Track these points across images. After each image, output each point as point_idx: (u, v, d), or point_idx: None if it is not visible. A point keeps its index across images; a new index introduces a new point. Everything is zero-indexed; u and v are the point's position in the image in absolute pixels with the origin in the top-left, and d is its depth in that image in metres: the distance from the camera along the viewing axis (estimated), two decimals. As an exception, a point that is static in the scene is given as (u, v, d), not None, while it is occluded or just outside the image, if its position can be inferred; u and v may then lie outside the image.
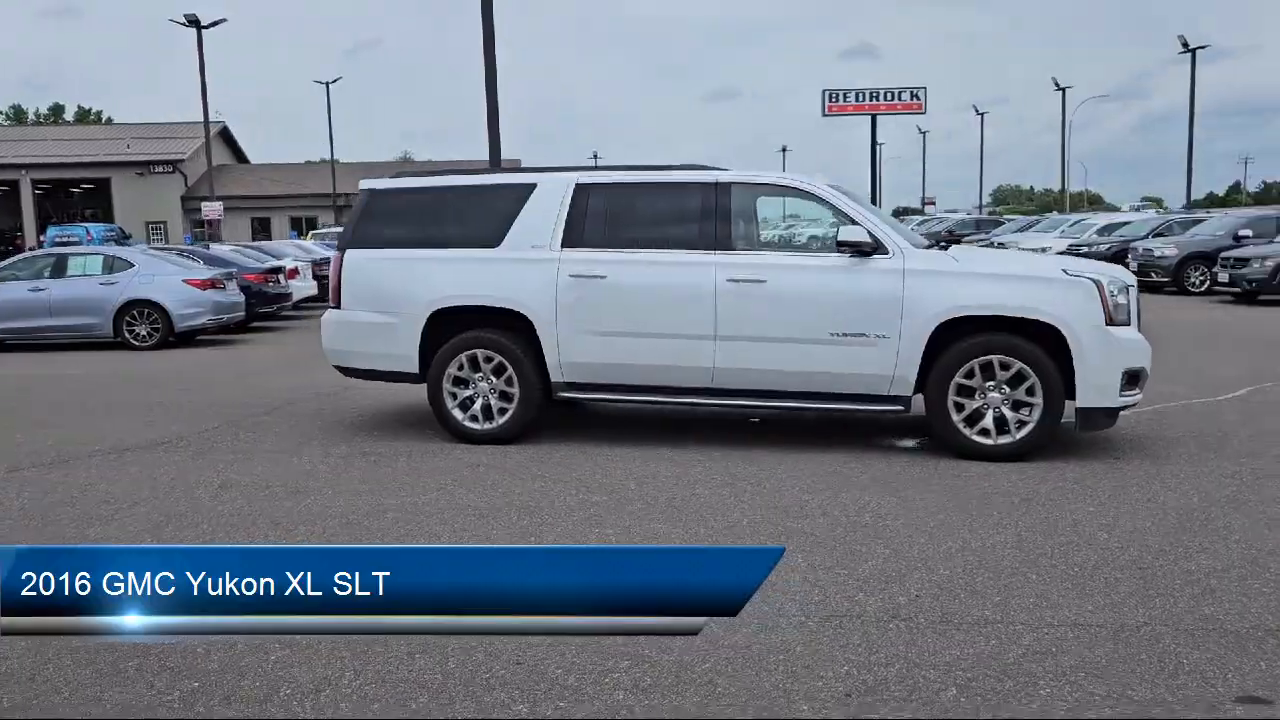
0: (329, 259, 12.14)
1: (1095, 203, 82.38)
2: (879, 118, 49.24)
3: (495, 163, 12.62)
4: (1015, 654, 3.82)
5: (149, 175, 54.75)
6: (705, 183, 7.46)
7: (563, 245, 7.51)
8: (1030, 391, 6.79)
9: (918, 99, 48.74)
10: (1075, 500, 5.91)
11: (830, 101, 47.90)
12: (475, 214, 7.90)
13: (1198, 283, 21.55)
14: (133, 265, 15.29)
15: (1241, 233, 21.72)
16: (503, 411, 7.64)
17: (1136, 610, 4.22)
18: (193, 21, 37.17)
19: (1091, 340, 6.71)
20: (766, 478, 6.51)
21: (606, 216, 7.53)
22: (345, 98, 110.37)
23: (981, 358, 6.84)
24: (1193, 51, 45.07)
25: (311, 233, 37.77)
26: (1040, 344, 6.79)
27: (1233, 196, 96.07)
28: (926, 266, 7.01)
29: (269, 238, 43.38)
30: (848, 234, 7.01)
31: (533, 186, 7.72)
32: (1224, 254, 20.38)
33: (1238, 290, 19.44)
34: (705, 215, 7.36)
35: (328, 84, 53.10)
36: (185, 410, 9.41)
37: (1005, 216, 52.37)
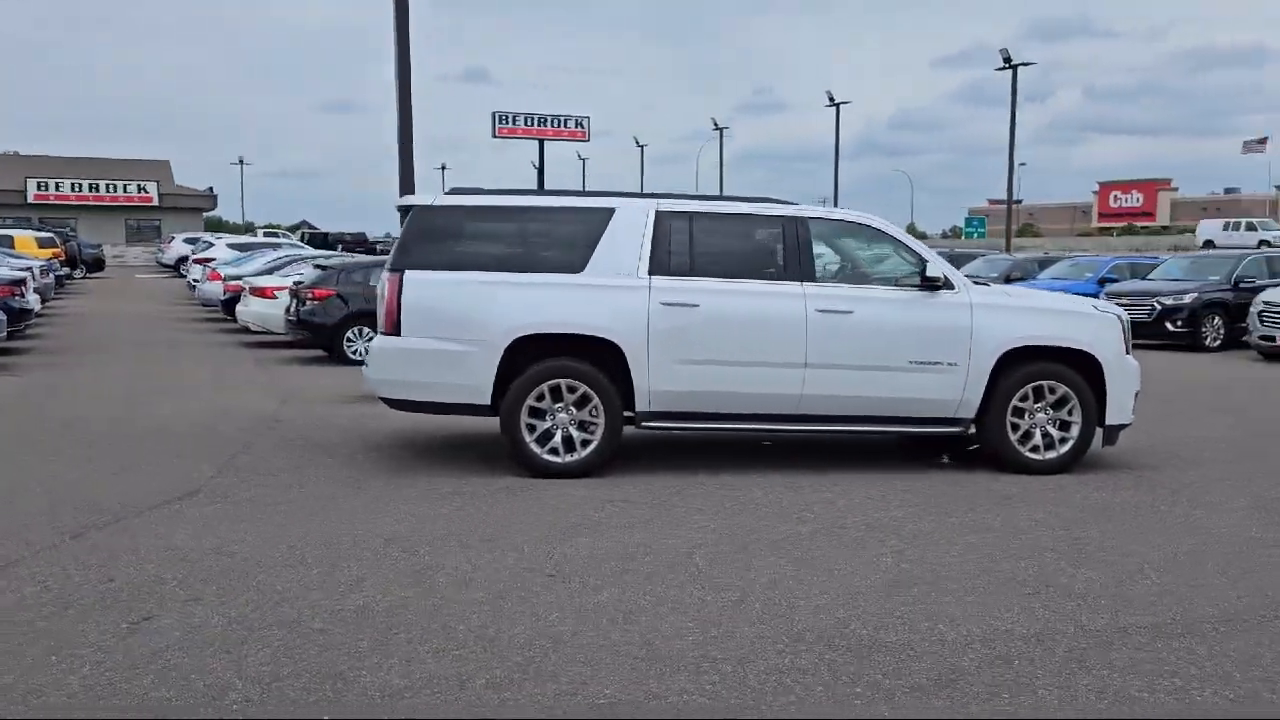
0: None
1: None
2: (546, 142, 50.55)
3: (407, 184, 11.76)
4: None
5: None
6: (786, 216, 7.73)
7: (650, 272, 7.42)
8: (1071, 412, 7.78)
9: (582, 127, 50.72)
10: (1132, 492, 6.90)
11: (500, 124, 48.48)
12: (550, 237, 7.57)
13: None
14: None
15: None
16: (585, 444, 7.36)
17: None
18: None
19: (1117, 366, 7.84)
20: (869, 496, 6.90)
21: (691, 245, 7.54)
22: None
23: (1034, 383, 7.73)
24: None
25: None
26: (1079, 371, 7.81)
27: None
28: (988, 301, 7.80)
29: None
30: (934, 270, 7.62)
31: (611, 211, 7.53)
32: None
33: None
34: (788, 247, 7.64)
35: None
36: (166, 451, 7.98)
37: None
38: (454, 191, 7.62)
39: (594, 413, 7.34)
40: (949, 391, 7.68)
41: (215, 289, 19.98)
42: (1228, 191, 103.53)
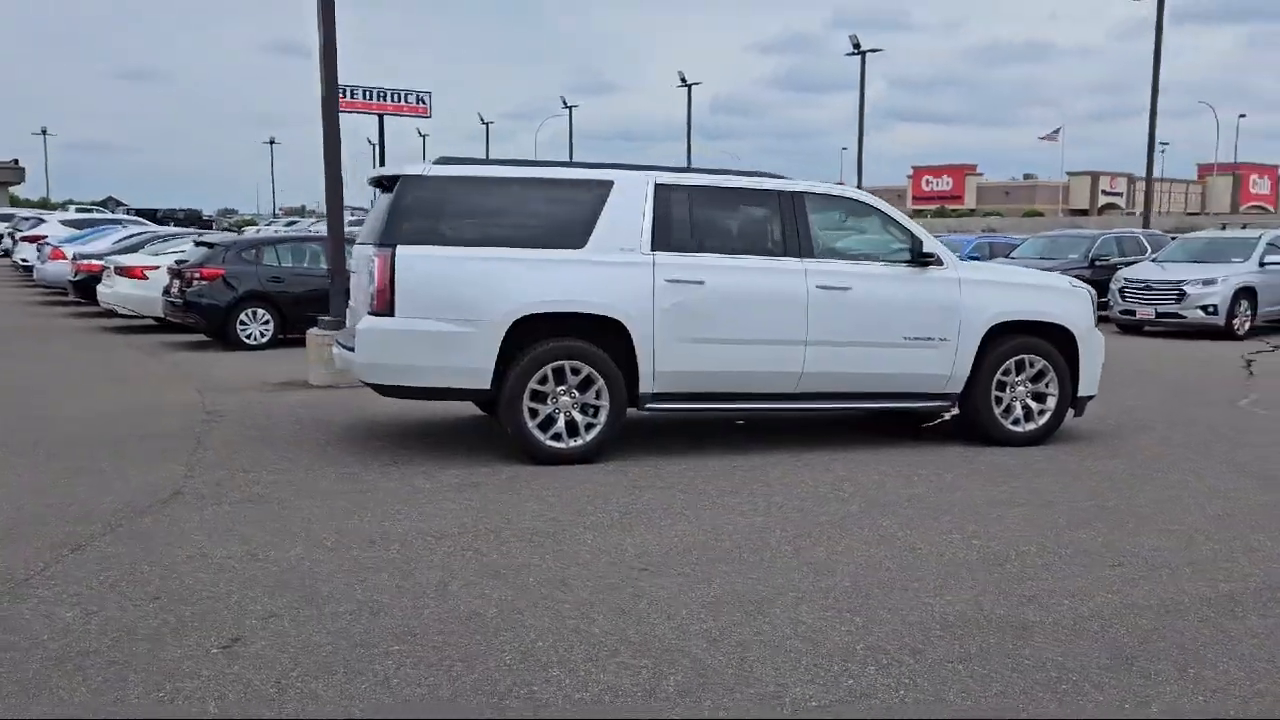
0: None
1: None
2: (386, 117, 48.87)
3: (333, 147, 10.70)
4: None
5: None
6: (783, 190, 7.59)
7: (653, 248, 7.15)
8: (1048, 385, 8.01)
9: (423, 103, 49.35)
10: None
11: (340, 96, 46.45)
12: (549, 211, 7.16)
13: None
14: None
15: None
16: (589, 428, 7.04)
17: None
18: None
19: (1088, 340, 8.11)
20: (867, 467, 6.91)
21: (692, 219, 7.31)
22: None
23: (1016, 357, 7.91)
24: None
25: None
26: (1055, 344, 8.02)
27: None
28: (974, 277, 7.92)
29: None
30: (927, 246, 7.66)
31: (610, 184, 7.20)
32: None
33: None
34: (786, 222, 7.51)
35: None
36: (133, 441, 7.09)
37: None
38: (443, 161, 7.10)
39: (598, 395, 7.02)
40: (941, 367, 7.76)
41: (61, 269, 18.28)
42: (1026, 177, 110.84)
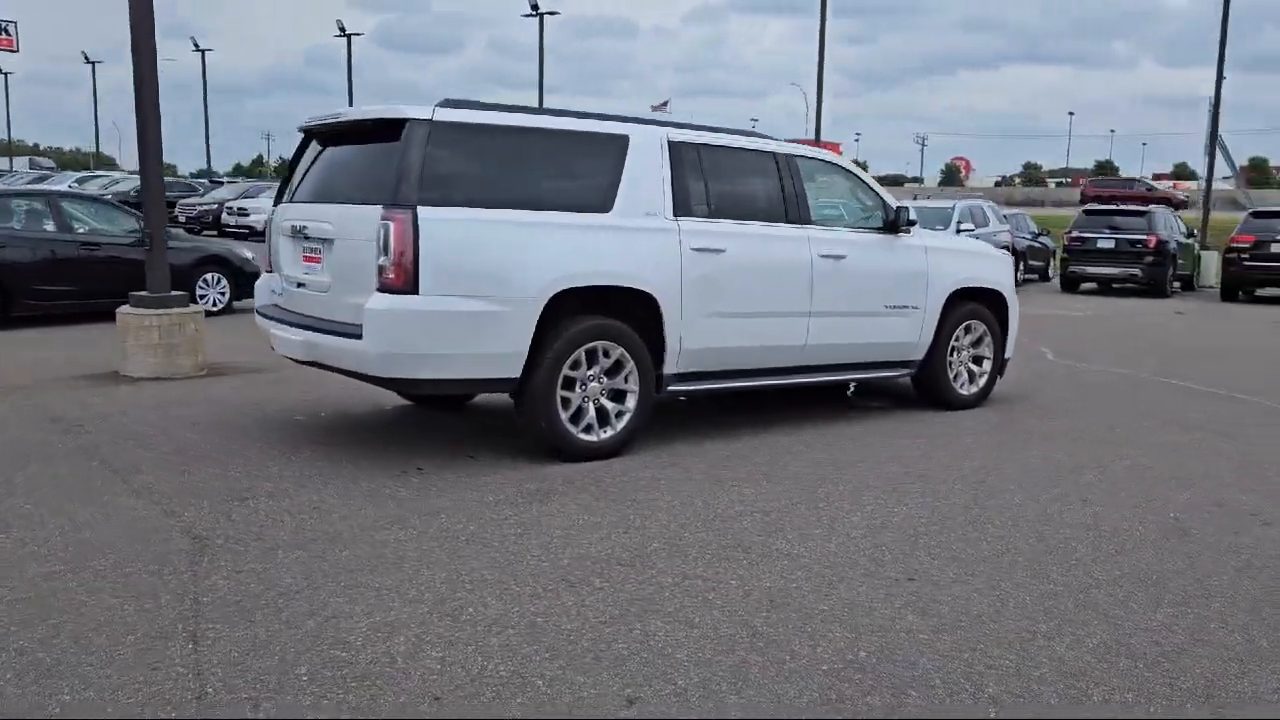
0: None
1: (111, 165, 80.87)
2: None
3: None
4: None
5: None
6: (780, 153, 7.13)
7: (675, 213, 6.41)
8: (986, 348, 8.27)
9: (9, 34, 42.35)
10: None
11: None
12: (571, 168, 6.17)
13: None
14: None
15: None
16: (620, 416, 6.21)
17: None
18: None
19: (1014, 304, 8.48)
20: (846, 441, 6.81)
21: (705, 182, 6.63)
22: None
23: (966, 322, 8.07)
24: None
25: None
26: (991, 309, 8.28)
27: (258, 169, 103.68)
28: (935, 244, 7.96)
29: None
30: (914, 213, 7.54)
31: (626, 139, 6.34)
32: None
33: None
34: (787, 187, 7.07)
35: None
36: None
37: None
38: (449, 104, 5.84)
39: (628, 379, 6.21)
40: (911, 334, 7.73)
41: None
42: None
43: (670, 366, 6.42)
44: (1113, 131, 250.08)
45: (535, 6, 42.72)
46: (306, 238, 6.10)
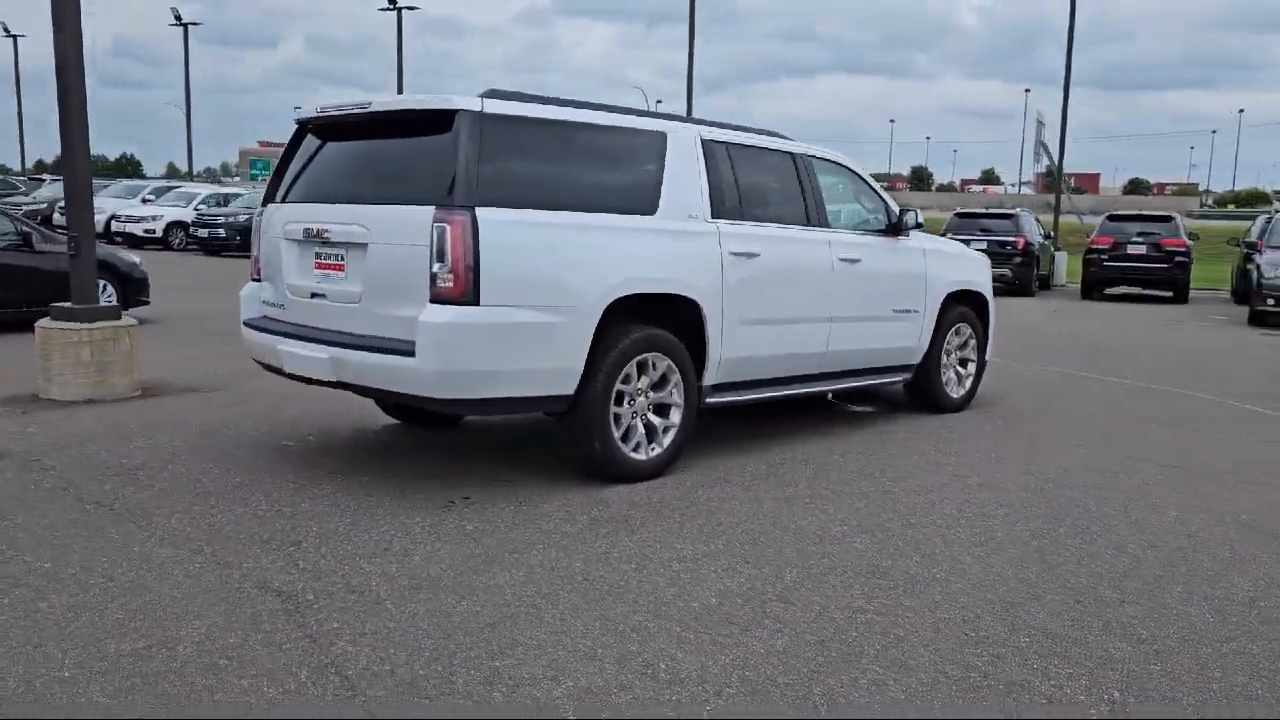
0: None
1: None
2: None
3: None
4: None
5: None
6: (797, 153, 6.87)
7: (712, 215, 6.06)
8: (971, 351, 8.28)
9: None
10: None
11: None
12: (617, 167, 5.72)
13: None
14: None
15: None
16: (666, 431, 5.80)
17: None
18: None
19: (993, 305, 8.52)
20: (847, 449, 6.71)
21: (736, 182, 6.30)
22: None
23: (955, 325, 8.04)
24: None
25: None
26: (975, 310, 8.28)
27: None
28: (930, 246, 7.86)
29: None
30: (906, 217, 7.41)
31: (664, 136, 5.94)
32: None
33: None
34: (805, 188, 6.83)
35: None
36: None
37: None
38: (495, 95, 5.27)
39: (674, 392, 5.82)
40: (913, 338, 7.64)
41: None
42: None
43: (709, 377, 6.06)
44: (928, 139, 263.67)
45: (393, 1, 41.13)
46: (325, 242, 5.41)
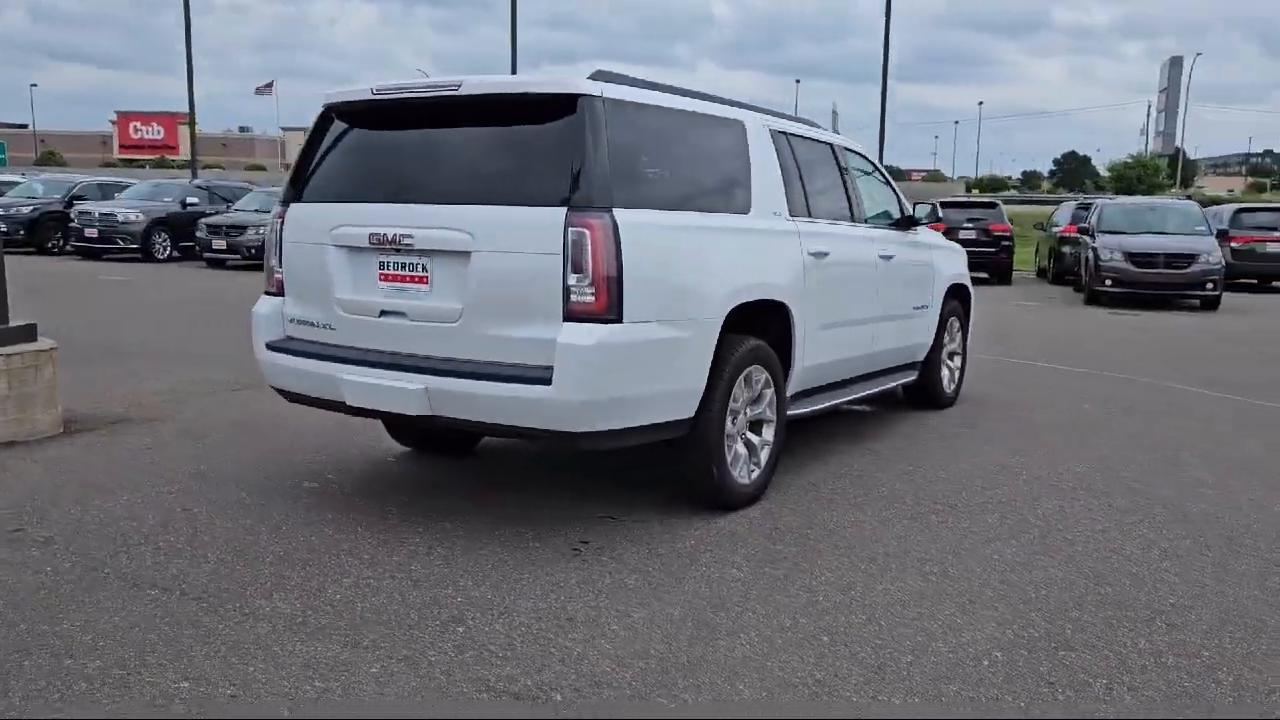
0: None
1: None
2: None
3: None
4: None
5: None
6: (836, 144, 6.48)
7: (790, 213, 5.58)
8: (958, 344, 8.19)
9: None
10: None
11: None
12: (717, 161, 5.12)
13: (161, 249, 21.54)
14: None
15: (189, 200, 22.11)
16: (763, 449, 5.29)
17: None
18: None
19: (973, 297, 8.46)
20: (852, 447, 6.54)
21: (801, 177, 5.84)
22: None
23: (950, 318, 7.92)
24: None
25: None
26: (959, 303, 8.18)
27: None
28: (931, 240, 7.68)
29: None
30: (916, 210, 7.19)
31: (742, 125, 5.40)
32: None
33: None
34: (848, 183, 6.48)
35: None
36: None
37: None
38: (604, 77, 4.54)
39: (768, 409, 5.31)
40: (927, 334, 7.47)
41: None
42: (242, 130, 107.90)
43: (791, 386, 5.60)
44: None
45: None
46: (400, 250, 4.52)
